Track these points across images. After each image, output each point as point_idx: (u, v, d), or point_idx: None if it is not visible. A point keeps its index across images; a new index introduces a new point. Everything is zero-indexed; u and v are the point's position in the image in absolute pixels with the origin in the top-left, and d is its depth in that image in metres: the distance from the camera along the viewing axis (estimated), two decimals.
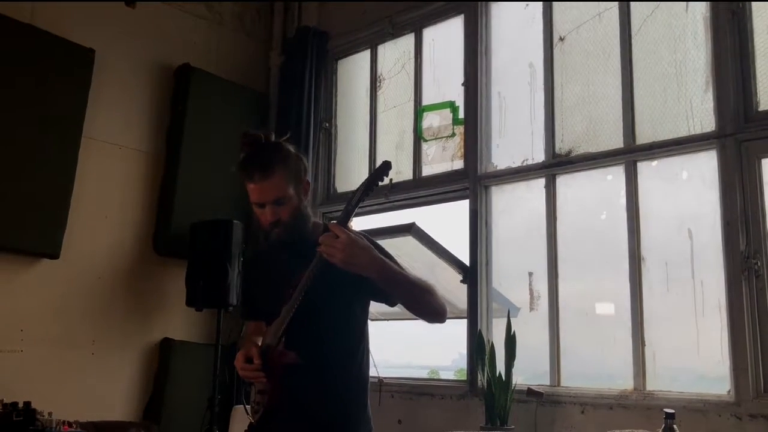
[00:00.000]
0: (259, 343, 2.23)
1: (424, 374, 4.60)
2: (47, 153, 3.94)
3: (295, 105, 4.84)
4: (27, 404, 2.31)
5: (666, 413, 2.73)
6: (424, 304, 2.15)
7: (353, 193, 2.06)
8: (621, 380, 3.39)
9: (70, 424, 2.52)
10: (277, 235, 2.17)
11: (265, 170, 2.12)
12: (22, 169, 3.84)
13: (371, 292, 2.20)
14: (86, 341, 4.16)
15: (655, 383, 3.30)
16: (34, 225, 3.86)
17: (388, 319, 4.42)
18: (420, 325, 4.54)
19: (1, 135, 3.79)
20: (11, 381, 3.64)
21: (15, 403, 2.28)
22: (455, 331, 4.10)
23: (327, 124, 5.03)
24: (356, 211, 2.07)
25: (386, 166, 2.06)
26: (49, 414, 2.41)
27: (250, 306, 2.40)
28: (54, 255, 3.96)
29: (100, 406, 4.09)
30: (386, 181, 2.09)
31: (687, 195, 3.42)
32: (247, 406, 2.31)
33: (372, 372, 4.20)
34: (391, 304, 2.22)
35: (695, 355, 3.23)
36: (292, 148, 2.25)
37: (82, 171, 4.12)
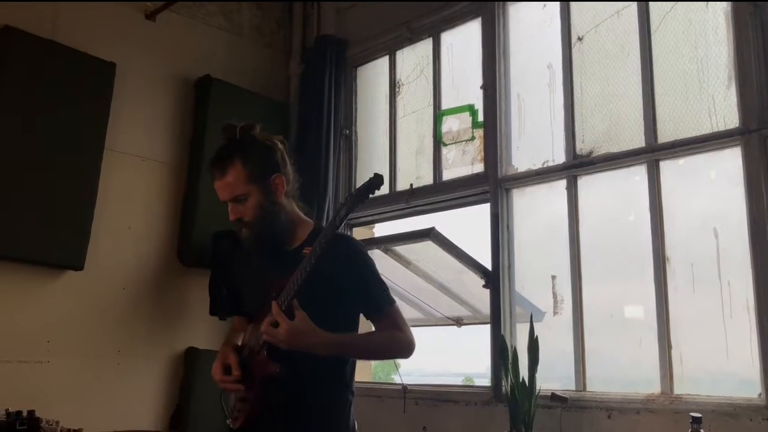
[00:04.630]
0: (240, 342, 2.19)
1: (458, 382, 4.57)
2: (70, 166, 3.99)
3: (315, 113, 4.85)
4: (31, 413, 2.31)
5: (692, 417, 2.68)
6: (382, 358, 2.21)
7: (341, 205, 1.98)
8: (647, 384, 3.31)
9: None
10: (245, 235, 2.11)
11: (221, 167, 2.06)
12: (46, 181, 3.89)
13: (362, 308, 2.16)
14: (111, 352, 4.20)
15: (682, 387, 3.22)
16: (59, 237, 3.91)
17: (415, 326, 4.40)
18: (453, 332, 4.53)
19: (25, 149, 3.85)
20: (38, 391, 3.71)
21: (19, 412, 2.28)
22: (489, 337, 4.05)
23: (347, 131, 5.03)
24: (343, 223, 2.02)
25: (378, 180, 1.96)
26: (56, 423, 2.42)
27: (235, 302, 2.35)
28: (78, 267, 4.01)
29: (126, 416, 4.13)
30: (376, 193, 2.02)
31: (711, 193, 3.35)
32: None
33: (397, 379, 4.22)
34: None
35: (724, 358, 3.14)
36: (267, 140, 2.15)
37: (105, 183, 4.17)
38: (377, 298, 2.15)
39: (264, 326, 1.94)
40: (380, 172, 2.00)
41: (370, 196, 1.97)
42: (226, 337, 2.32)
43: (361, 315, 2.22)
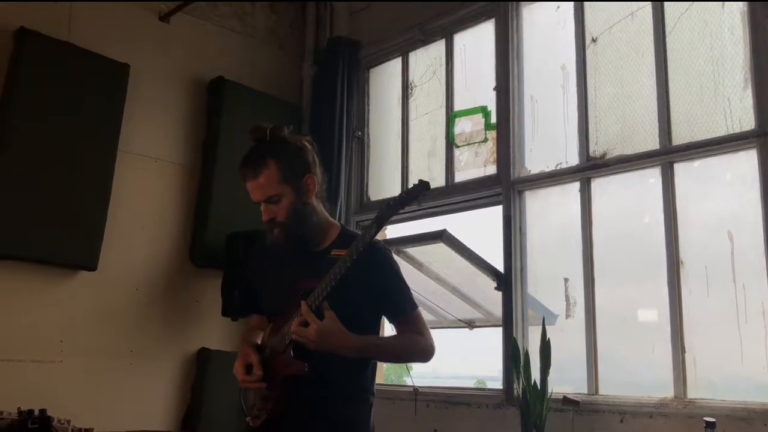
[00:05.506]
0: (259, 341, 2.20)
1: (470, 384, 4.55)
2: (84, 167, 4.02)
3: (327, 115, 4.86)
4: (42, 411, 2.33)
5: (706, 422, 2.66)
6: (403, 362, 2.23)
7: (381, 211, 1.98)
8: (661, 388, 3.28)
9: None
10: (276, 235, 2.11)
11: (255, 168, 2.07)
12: (60, 182, 3.92)
13: (385, 311, 2.18)
14: (124, 352, 4.22)
15: (696, 391, 3.19)
16: (72, 238, 3.93)
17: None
18: (465, 335, 4.51)
19: (39, 150, 3.88)
20: (50, 391, 3.73)
21: (31, 411, 2.30)
22: (501, 340, 4.04)
23: (359, 133, 5.03)
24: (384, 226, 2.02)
25: (423, 186, 1.96)
26: (68, 422, 2.43)
27: (251, 302, 2.36)
28: (92, 267, 4.03)
29: (138, 416, 4.15)
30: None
31: (726, 196, 3.32)
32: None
33: (409, 381, 4.21)
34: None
35: (738, 362, 3.11)
36: (298, 141, 2.16)
37: (119, 184, 4.19)
38: (401, 302, 2.17)
39: (294, 326, 1.96)
40: (427, 181, 2.00)
41: (414, 202, 1.99)
42: (244, 336, 2.33)
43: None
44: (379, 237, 2.29)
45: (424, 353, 2.16)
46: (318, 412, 2.07)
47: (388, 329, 2.38)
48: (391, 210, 1.96)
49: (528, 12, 4.27)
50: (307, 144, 2.19)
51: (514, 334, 3.82)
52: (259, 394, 2.14)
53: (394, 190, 4.78)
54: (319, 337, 1.93)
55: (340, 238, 2.16)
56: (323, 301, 1.96)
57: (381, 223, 1.97)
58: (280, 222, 2.09)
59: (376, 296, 2.12)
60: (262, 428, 2.12)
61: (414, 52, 4.89)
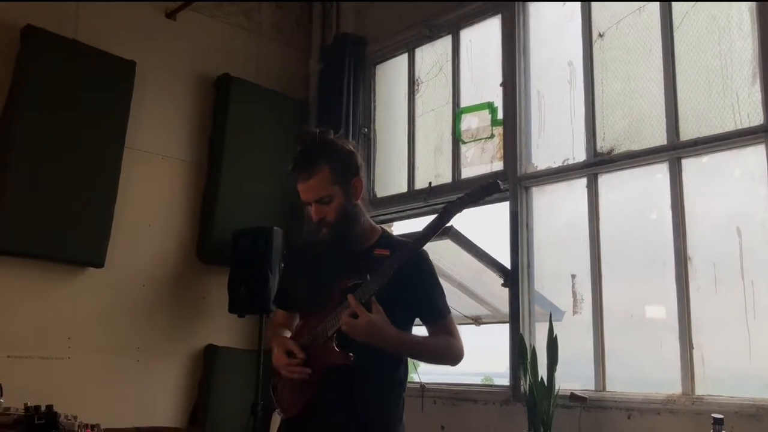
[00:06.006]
0: (288, 336, 2.23)
1: (478, 381, 4.54)
2: (91, 164, 4.03)
3: (334, 111, 4.85)
4: (49, 407, 2.34)
5: (714, 419, 2.63)
6: (435, 362, 2.32)
7: (444, 211, 2.01)
8: (668, 385, 3.27)
9: (92, 428, 2.54)
10: (324, 234, 2.16)
11: (308, 169, 2.12)
12: (67, 179, 3.93)
13: (420, 311, 2.22)
14: (131, 348, 4.23)
15: (704, 388, 3.18)
16: (79, 235, 3.95)
17: None
18: (472, 331, 4.50)
19: (46, 147, 3.89)
20: (58, 387, 3.75)
21: (37, 407, 2.32)
22: (508, 336, 4.02)
23: (366, 130, 5.02)
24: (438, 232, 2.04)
25: (496, 187, 2.03)
26: (74, 417, 2.44)
27: (286, 295, 2.39)
28: (99, 264, 4.04)
29: (146, 413, 4.17)
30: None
31: (734, 191, 3.29)
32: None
33: (415, 378, 4.20)
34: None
35: (747, 359, 3.09)
36: (346, 145, 2.22)
37: (126, 181, 4.20)
38: (439, 305, 2.22)
39: (344, 317, 1.99)
40: (497, 180, 2.05)
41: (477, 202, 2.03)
42: (272, 331, 2.36)
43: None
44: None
45: (456, 356, 2.22)
46: (357, 404, 2.11)
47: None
48: (457, 207, 2.00)
49: (534, 8, 4.26)
50: (353, 148, 2.26)
51: (521, 331, 3.81)
52: (292, 385, 2.16)
53: (400, 186, 4.77)
54: (368, 329, 1.97)
55: (383, 240, 2.22)
56: (372, 296, 2.00)
57: (445, 218, 2.01)
58: (330, 222, 2.14)
59: (415, 296, 2.16)
60: (298, 419, 2.15)
61: (420, 48, 4.88)
